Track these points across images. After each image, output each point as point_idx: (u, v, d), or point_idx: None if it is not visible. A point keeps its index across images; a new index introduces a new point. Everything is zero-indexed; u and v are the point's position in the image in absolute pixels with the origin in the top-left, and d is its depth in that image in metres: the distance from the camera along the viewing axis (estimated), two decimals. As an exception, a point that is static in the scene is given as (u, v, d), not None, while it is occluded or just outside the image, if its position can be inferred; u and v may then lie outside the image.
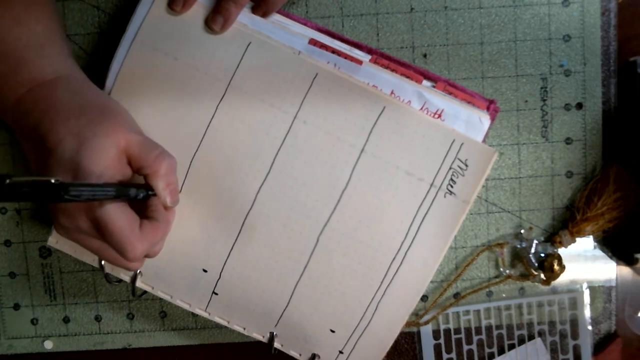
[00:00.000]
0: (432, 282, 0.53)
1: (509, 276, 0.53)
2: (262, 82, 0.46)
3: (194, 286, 0.49)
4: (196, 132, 0.46)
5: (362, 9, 0.51)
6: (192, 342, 0.55)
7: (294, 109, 0.46)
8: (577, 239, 0.52)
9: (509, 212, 0.53)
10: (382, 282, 0.48)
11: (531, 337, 0.55)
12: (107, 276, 0.49)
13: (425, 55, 0.52)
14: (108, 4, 0.51)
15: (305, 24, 0.48)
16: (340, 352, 0.49)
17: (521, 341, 0.55)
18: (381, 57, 0.48)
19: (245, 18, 0.47)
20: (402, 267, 0.47)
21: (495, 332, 0.55)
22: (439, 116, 0.47)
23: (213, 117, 0.46)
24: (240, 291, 0.48)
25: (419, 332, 0.55)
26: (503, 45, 0.52)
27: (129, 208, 0.40)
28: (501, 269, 0.54)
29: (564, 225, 0.53)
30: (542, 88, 0.52)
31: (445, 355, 0.55)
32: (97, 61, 0.51)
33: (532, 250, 0.53)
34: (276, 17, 0.48)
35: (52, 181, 0.35)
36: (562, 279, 0.53)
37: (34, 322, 0.55)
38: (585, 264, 0.54)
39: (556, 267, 0.52)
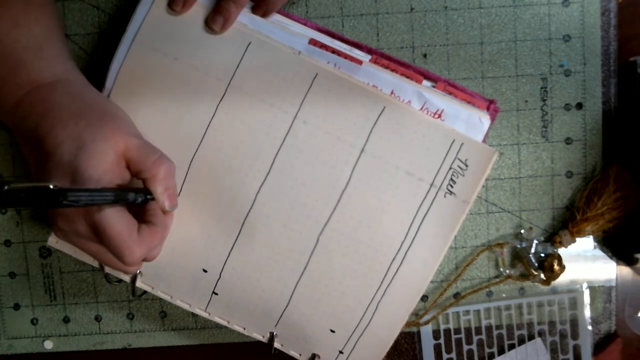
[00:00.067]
0: (432, 282, 0.53)
1: (509, 276, 0.53)
2: (262, 82, 0.46)
3: (194, 286, 0.49)
4: (196, 132, 0.46)
5: (362, 9, 0.51)
6: (192, 342, 0.55)
7: (294, 109, 0.46)
8: (577, 239, 0.52)
9: (509, 212, 0.53)
10: (382, 282, 0.48)
11: (531, 337, 0.55)
12: (107, 276, 0.49)
13: (425, 55, 0.52)
14: (108, 4, 0.51)
15: (305, 24, 0.48)
16: (340, 352, 0.49)
17: (521, 341, 0.55)
18: (381, 57, 0.48)
19: (245, 18, 0.47)
20: (402, 267, 0.47)
21: (495, 332, 0.55)
22: (439, 116, 0.47)
23: (213, 117, 0.46)
24: (240, 291, 0.48)
25: (419, 332, 0.55)
26: (503, 45, 0.52)
27: (127, 212, 0.40)
28: (501, 269, 0.54)
29: (564, 225, 0.53)
30: (542, 88, 0.52)
31: (445, 355, 0.55)
32: (97, 61, 0.51)
33: (532, 250, 0.53)
34: (276, 17, 0.48)
35: (51, 187, 0.35)
36: (562, 279, 0.53)
37: (34, 322, 0.55)
38: (585, 264, 0.54)
39: (556, 267, 0.52)
